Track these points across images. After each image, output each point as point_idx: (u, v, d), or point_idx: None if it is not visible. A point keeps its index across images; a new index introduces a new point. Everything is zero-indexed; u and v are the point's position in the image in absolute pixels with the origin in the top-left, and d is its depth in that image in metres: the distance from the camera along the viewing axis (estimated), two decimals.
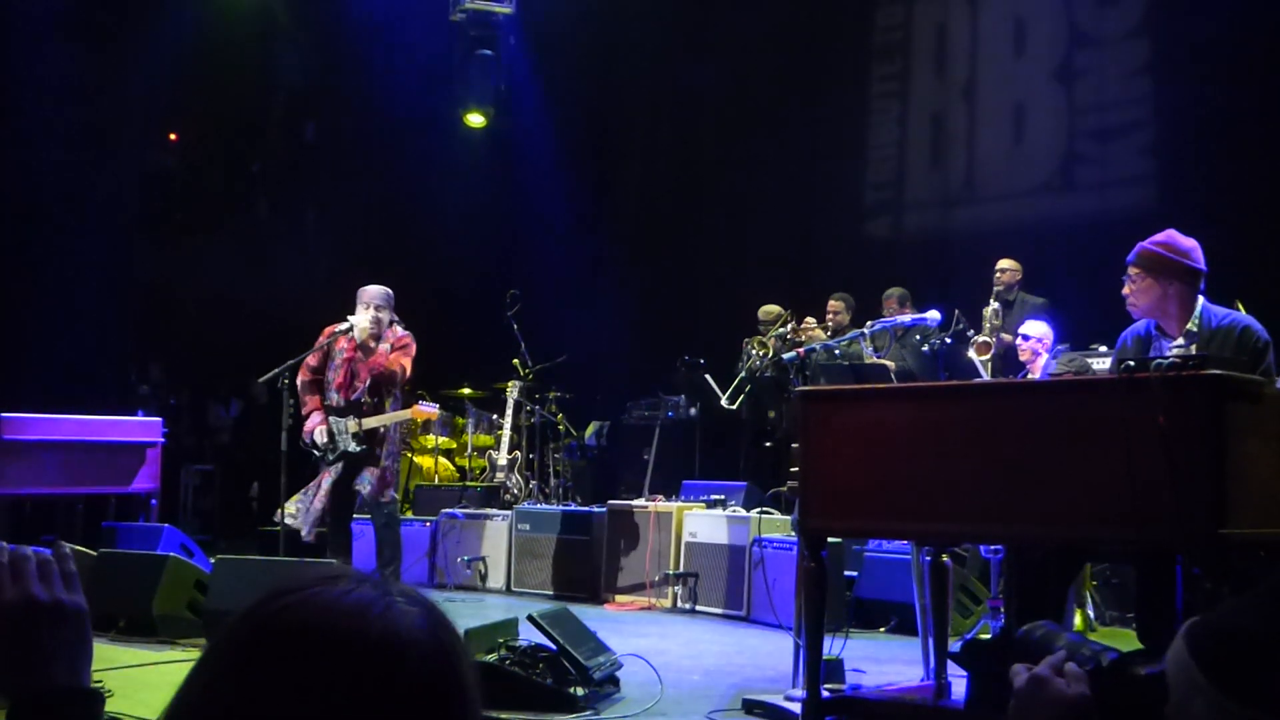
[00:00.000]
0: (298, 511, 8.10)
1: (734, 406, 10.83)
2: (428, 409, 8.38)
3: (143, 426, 9.96)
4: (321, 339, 8.26)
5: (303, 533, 8.09)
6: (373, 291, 8.24)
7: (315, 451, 8.16)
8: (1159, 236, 5.10)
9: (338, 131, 15.40)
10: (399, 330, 8.27)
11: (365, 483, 8.12)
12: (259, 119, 15.41)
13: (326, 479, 8.14)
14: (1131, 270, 5.09)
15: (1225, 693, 1.41)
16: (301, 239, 15.21)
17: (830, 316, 10.65)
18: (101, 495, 9.90)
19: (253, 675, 1.02)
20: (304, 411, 8.19)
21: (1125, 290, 5.11)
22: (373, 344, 8.18)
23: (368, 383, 8.12)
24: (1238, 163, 10.22)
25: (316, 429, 8.11)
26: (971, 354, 9.47)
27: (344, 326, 8.21)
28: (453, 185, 14.24)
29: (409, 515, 10.37)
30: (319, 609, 1.05)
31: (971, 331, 9.58)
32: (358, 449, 8.06)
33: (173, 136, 15.44)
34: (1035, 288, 9.94)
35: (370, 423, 8.09)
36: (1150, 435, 3.98)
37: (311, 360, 8.21)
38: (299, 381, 8.16)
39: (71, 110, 12.99)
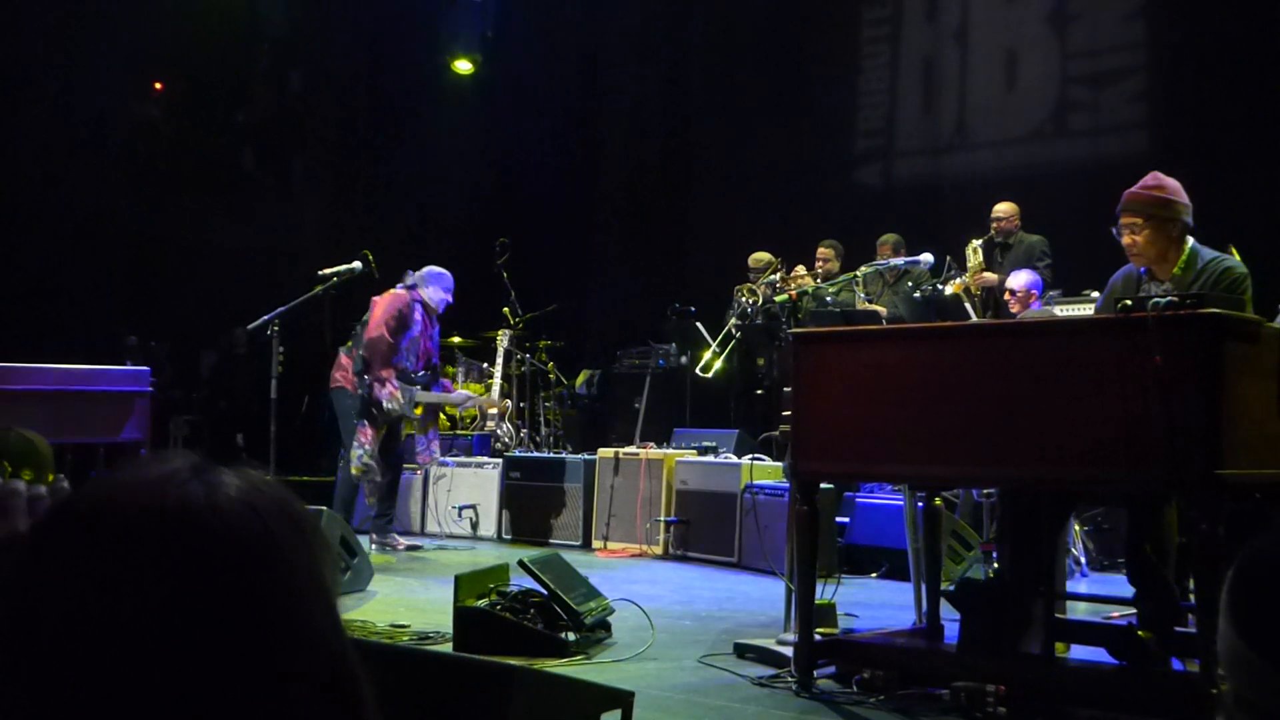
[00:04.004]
0: (366, 467, 8.52)
1: (708, 375, 10.77)
2: (499, 401, 9.67)
3: (130, 375, 9.86)
4: (397, 308, 8.53)
5: (377, 478, 8.57)
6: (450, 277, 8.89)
7: (375, 410, 8.46)
8: (1149, 181, 5.01)
9: (323, 80, 15.23)
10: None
11: (433, 452, 9.09)
12: (244, 69, 15.24)
13: (370, 433, 8.51)
14: (1133, 220, 4.95)
15: (1241, 636, 1.11)
16: (288, 189, 15.08)
17: (820, 264, 10.58)
18: (90, 445, 9.83)
19: (50, 556, 0.95)
20: (381, 374, 8.44)
21: (1127, 240, 4.97)
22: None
23: (426, 359, 8.78)
24: (1231, 107, 10.15)
25: (395, 393, 8.46)
26: (948, 290, 9.41)
27: (420, 301, 8.71)
28: (440, 133, 14.12)
29: None
30: (121, 485, 0.97)
31: (960, 275, 9.53)
32: (415, 418, 8.71)
33: (158, 86, 15.27)
34: (1030, 231, 9.89)
35: (437, 398, 8.98)
36: (1146, 376, 3.95)
37: (393, 325, 8.50)
38: (387, 344, 8.46)
39: (57, 59, 12.84)
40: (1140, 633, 4.52)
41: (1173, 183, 5.01)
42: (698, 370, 10.77)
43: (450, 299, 8.79)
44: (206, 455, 1.02)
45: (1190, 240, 4.98)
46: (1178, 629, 4.56)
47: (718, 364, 10.63)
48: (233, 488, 0.97)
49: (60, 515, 0.99)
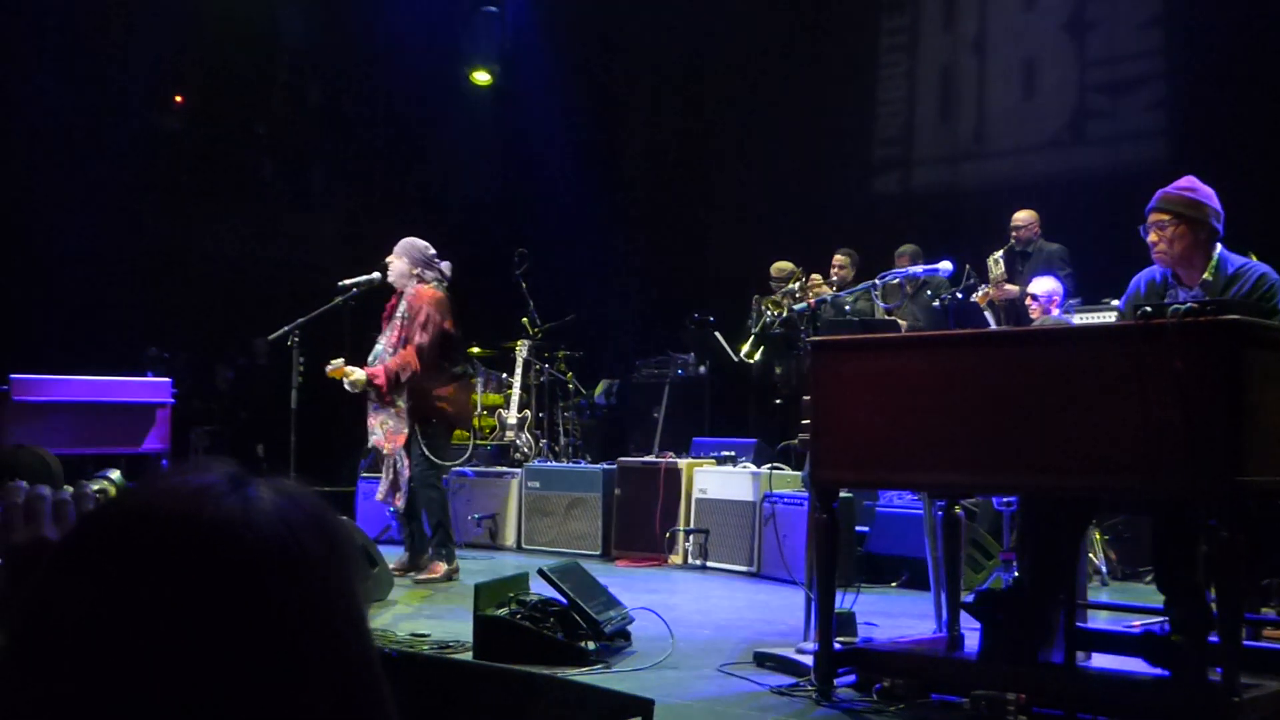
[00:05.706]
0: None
1: (755, 354, 10.74)
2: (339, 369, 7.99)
3: (152, 387, 9.93)
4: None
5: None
6: (400, 242, 8.14)
7: None
8: (1184, 183, 5.02)
9: (342, 91, 15.30)
10: (411, 288, 8.00)
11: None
12: (263, 80, 15.31)
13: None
14: (1162, 217, 4.96)
15: None
16: (307, 200, 15.14)
17: (835, 271, 10.58)
18: (112, 456, 9.87)
19: (81, 562, 0.95)
20: None
21: (1153, 238, 4.98)
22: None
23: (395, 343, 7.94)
24: (1249, 114, 10.12)
25: None
26: (974, 299, 9.41)
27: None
28: (459, 144, 14.16)
29: None
30: (158, 495, 0.97)
31: (983, 286, 9.53)
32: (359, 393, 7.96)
33: (178, 99, 15.35)
34: (1050, 239, 9.88)
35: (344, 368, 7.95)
36: (1166, 382, 3.94)
37: None
38: None
39: (78, 71, 12.92)
40: (1174, 638, 4.49)
41: (1206, 187, 5.01)
42: (740, 355, 10.75)
43: (389, 259, 8.11)
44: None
45: (1219, 247, 4.97)
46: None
47: (757, 355, 10.62)
48: (268, 502, 0.98)
49: (96, 521, 0.99)
